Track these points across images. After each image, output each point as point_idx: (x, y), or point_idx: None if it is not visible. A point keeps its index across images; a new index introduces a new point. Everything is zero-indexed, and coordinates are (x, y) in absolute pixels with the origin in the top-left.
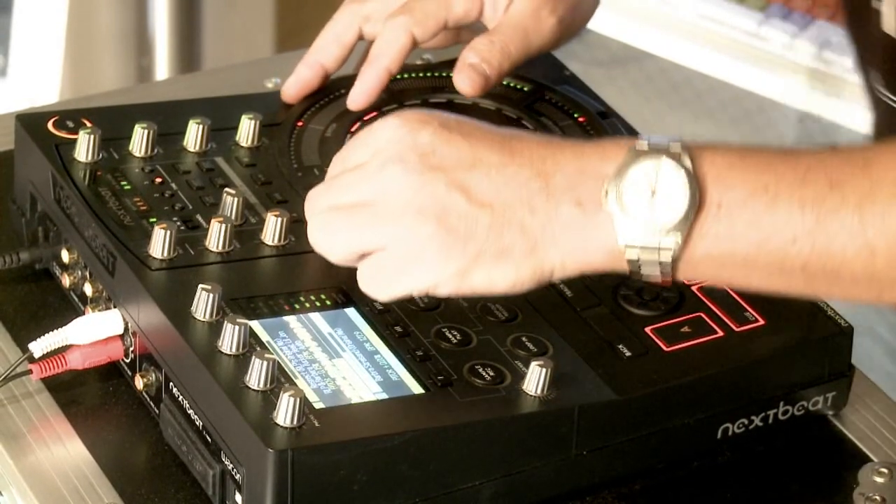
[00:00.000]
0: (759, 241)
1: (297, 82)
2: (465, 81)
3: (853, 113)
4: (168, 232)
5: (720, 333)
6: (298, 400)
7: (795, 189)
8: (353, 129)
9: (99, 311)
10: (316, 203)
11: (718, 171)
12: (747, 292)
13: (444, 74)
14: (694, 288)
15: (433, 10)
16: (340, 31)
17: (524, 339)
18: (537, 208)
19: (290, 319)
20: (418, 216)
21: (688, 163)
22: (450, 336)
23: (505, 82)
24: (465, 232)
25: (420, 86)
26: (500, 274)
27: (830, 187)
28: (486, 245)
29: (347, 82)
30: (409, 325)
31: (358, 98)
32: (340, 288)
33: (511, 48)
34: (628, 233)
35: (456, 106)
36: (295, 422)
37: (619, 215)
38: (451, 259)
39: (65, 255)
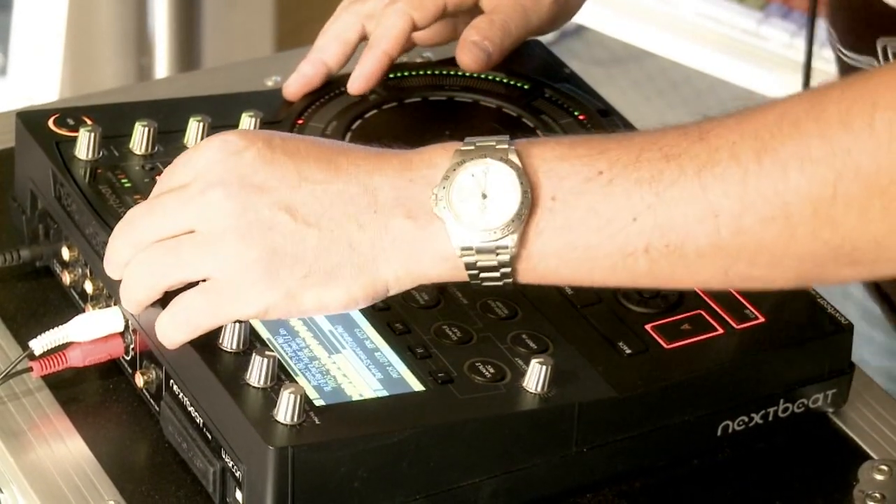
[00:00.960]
0: (599, 226)
1: (299, 79)
2: (468, 58)
3: None
4: None
5: (720, 331)
6: (299, 397)
7: (631, 169)
8: (353, 127)
9: (99, 308)
10: (138, 233)
11: (549, 165)
12: (593, 288)
13: (444, 72)
14: None
15: None
16: (342, 30)
17: (524, 336)
18: (366, 224)
19: None
20: (242, 240)
21: (516, 160)
22: (450, 333)
23: (505, 80)
24: (292, 253)
25: (421, 84)
26: (331, 294)
27: (667, 160)
28: (314, 266)
29: (348, 80)
30: (409, 322)
31: (357, 82)
32: None
33: (511, 26)
34: (462, 237)
35: (457, 104)
36: (295, 419)
37: (450, 221)
38: (279, 282)
39: (65, 253)
